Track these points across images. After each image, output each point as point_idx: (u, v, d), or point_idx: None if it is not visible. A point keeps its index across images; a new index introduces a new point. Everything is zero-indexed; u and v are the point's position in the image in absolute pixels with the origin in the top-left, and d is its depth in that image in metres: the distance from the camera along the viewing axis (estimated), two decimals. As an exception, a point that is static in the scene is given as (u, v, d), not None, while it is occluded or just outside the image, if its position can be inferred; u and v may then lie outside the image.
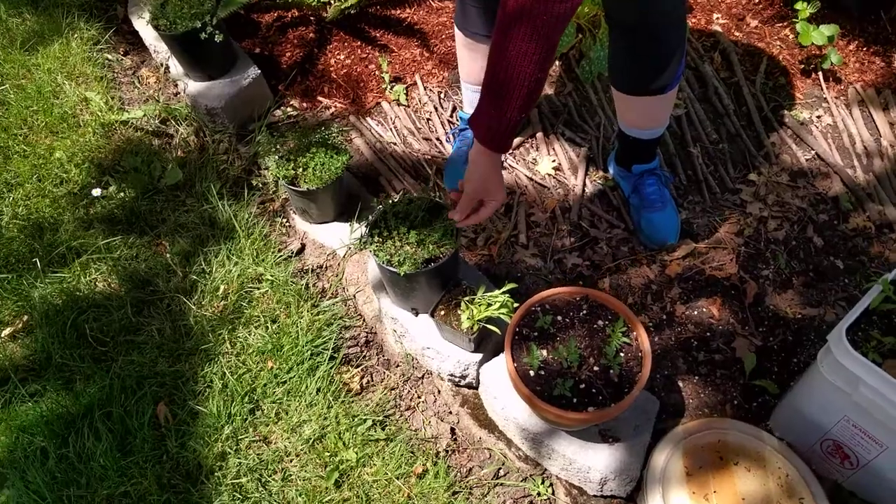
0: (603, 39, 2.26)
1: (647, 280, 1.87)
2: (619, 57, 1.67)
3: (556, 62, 2.38)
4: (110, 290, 1.84)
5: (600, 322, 1.41)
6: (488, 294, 1.49)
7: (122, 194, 2.02)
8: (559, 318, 1.43)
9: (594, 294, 1.45)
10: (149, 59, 2.56)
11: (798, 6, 2.28)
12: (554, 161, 2.15)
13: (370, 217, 1.58)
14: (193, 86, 2.23)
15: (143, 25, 2.48)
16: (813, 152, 2.11)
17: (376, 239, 1.54)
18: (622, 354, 1.36)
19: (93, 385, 1.65)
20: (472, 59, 1.86)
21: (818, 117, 2.19)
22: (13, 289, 1.83)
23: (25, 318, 1.78)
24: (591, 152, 2.16)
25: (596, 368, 1.35)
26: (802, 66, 2.31)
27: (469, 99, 2.01)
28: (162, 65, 2.47)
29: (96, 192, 2.02)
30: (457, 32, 1.85)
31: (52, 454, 1.56)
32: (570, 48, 2.21)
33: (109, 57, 2.50)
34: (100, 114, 2.26)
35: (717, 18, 2.48)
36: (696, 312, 1.80)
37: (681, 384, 1.67)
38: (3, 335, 1.76)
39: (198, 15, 2.09)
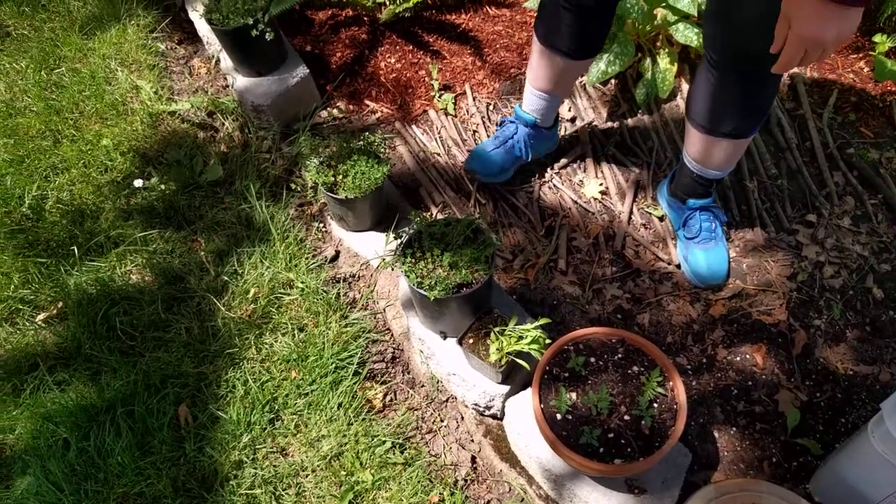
0: (663, 61, 2.16)
1: (689, 319, 1.79)
2: (702, 91, 1.58)
3: (612, 81, 2.29)
4: (143, 283, 1.84)
5: (635, 368, 1.34)
6: (520, 327, 1.43)
7: (162, 187, 2.03)
8: (592, 359, 1.36)
9: (631, 338, 1.38)
10: (202, 49, 2.56)
11: (876, 38, 2.15)
12: (601, 185, 2.07)
13: (405, 235, 1.53)
14: (242, 81, 2.22)
15: (197, 16, 2.48)
16: (880, 196, 1.98)
17: (409, 259, 1.49)
18: (656, 405, 1.29)
19: (118, 379, 1.66)
20: (544, 68, 1.82)
21: (889, 159, 2.06)
22: (50, 274, 1.84)
23: (60, 304, 1.80)
24: (640, 178, 2.08)
25: (627, 418, 1.28)
26: (876, 102, 2.18)
27: (530, 101, 1.95)
28: (213, 57, 2.47)
29: (138, 182, 2.02)
30: (536, 43, 1.79)
31: (74, 446, 1.57)
32: (627, 67, 2.12)
33: (163, 46, 2.52)
34: (149, 103, 2.27)
35: (787, 45, 2.36)
36: (738, 358, 1.71)
37: (716, 434, 1.58)
38: (37, 320, 1.77)
39: (250, 11, 2.07)
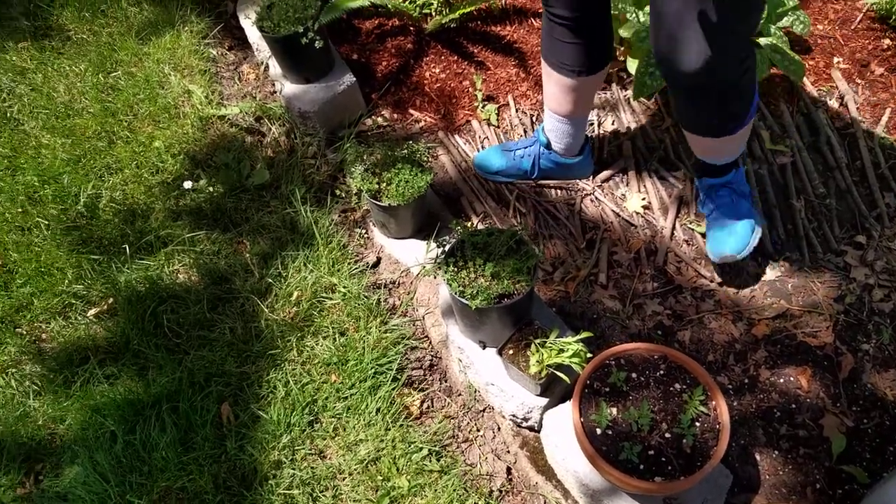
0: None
1: (731, 338, 1.77)
2: (678, 99, 1.58)
3: (656, 96, 2.28)
4: (190, 282, 1.89)
5: (677, 385, 1.33)
6: (561, 339, 1.43)
7: (211, 189, 2.08)
8: (634, 375, 1.36)
9: (674, 355, 1.37)
10: (251, 55, 2.62)
11: (932, 57, 2.10)
12: (644, 199, 2.06)
13: (446, 245, 1.55)
14: (290, 87, 2.27)
15: (248, 24, 2.54)
16: (932, 219, 1.93)
17: (451, 267, 1.51)
18: (698, 424, 1.28)
19: (164, 376, 1.70)
20: (553, 88, 1.79)
21: (943, 181, 2.01)
22: (102, 271, 1.90)
23: (111, 300, 1.85)
24: (684, 193, 2.06)
25: (668, 435, 1.27)
26: (930, 122, 2.13)
27: (546, 122, 1.91)
28: (262, 63, 2.52)
29: (188, 184, 2.08)
30: (543, 63, 1.78)
31: (120, 439, 1.61)
32: (673, 82, 2.11)
33: (214, 51, 2.58)
34: (199, 107, 2.33)
35: (838, 63, 2.32)
36: (782, 380, 1.68)
37: (758, 457, 1.56)
38: (89, 315, 1.83)
39: (301, 20, 2.12)
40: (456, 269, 1.51)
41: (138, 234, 1.98)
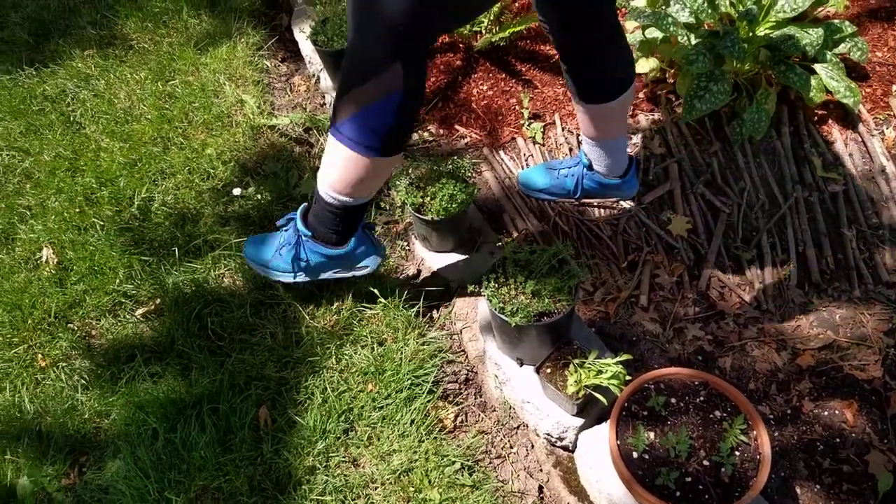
0: (760, 101, 2.12)
1: (774, 367, 1.73)
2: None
3: (706, 119, 2.26)
4: (235, 287, 1.94)
5: (718, 413, 1.31)
6: (600, 360, 1.42)
7: (259, 196, 2.13)
8: (673, 400, 1.34)
9: (715, 382, 1.35)
10: (303, 67, 2.69)
11: None
12: (689, 223, 2.04)
13: (492, 262, 1.55)
14: (339, 100, 2.31)
15: (302, 37, 2.61)
16: None
17: (492, 283, 1.51)
18: (737, 454, 1.26)
19: (206, 377, 1.74)
20: (579, 114, 1.75)
21: None
22: (152, 272, 1.96)
23: (158, 301, 1.91)
24: (730, 219, 2.03)
25: (706, 463, 1.25)
26: None
27: (586, 148, 1.84)
28: (313, 75, 2.58)
29: (237, 191, 2.13)
30: None
31: (161, 436, 1.65)
32: (723, 106, 2.09)
33: (268, 63, 2.66)
34: (251, 116, 2.39)
35: (896, 90, 2.27)
36: (826, 413, 1.63)
37: (798, 491, 1.52)
38: (137, 314, 1.89)
39: (354, 35, 2.16)
40: (497, 286, 1.51)
41: (187, 238, 2.03)
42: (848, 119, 2.22)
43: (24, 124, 2.43)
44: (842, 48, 2.20)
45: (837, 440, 1.59)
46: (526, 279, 1.50)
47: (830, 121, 2.23)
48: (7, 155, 2.35)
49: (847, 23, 2.19)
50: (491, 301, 1.48)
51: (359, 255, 1.74)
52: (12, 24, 2.85)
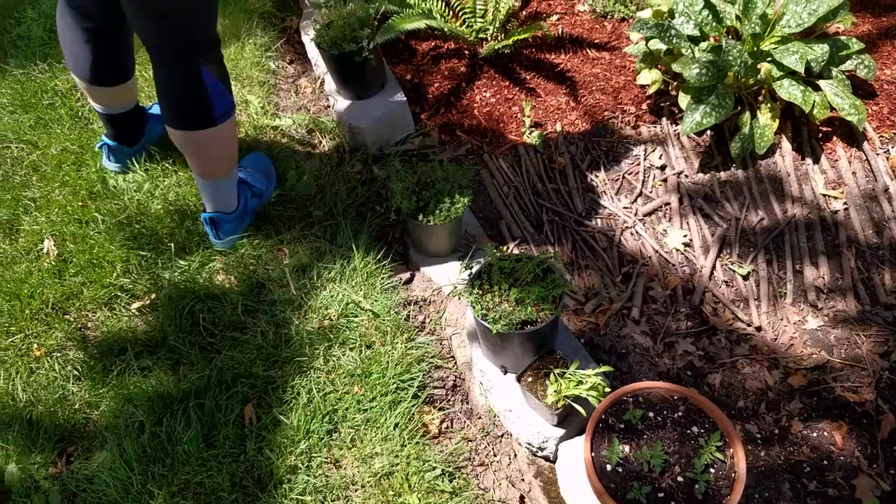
0: (763, 116, 2.10)
1: (765, 385, 1.71)
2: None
3: (708, 132, 2.25)
4: (228, 284, 1.95)
5: (695, 429, 1.30)
6: (580, 371, 1.42)
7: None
8: (651, 414, 1.33)
9: (694, 397, 1.34)
10: (310, 70, 2.71)
11: None
12: (685, 236, 2.02)
13: (476, 266, 1.56)
14: (342, 103, 2.33)
15: (308, 40, 2.63)
16: None
17: (476, 290, 1.51)
18: (712, 471, 1.24)
19: (195, 372, 1.76)
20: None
21: None
22: (148, 267, 1.99)
23: (153, 295, 1.93)
24: (727, 234, 2.02)
25: (680, 479, 1.24)
26: None
27: None
28: (319, 78, 2.60)
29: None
30: None
31: (147, 430, 1.67)
32: (725, 119, 2.07)
33: (275, 65, 2.68)
34: (255, 116, 2.42)
35: (903, 109, 2.24)
36: (815, 434, 1.61)
37: (781, 512, 1.50)
38: (132, 308, 1.91)
39: (356, 39, 2.18)
40: (481, 293, 1.51)
41: (185, 234, 2.06)
42: (853, 137, 2.19)
43: (34, 118, 2.47)
44: (848, 65, 2.17)
45: (825, 462, 1.57)
46: (510, 287, 1.50)
47: (835, 138, 2.21)
48: (16, 147, 2.39)
49: (854, 39, 2.17)
50: (474, 307, 1.48)
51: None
52: (29, 20, 2.90)
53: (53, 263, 2.01)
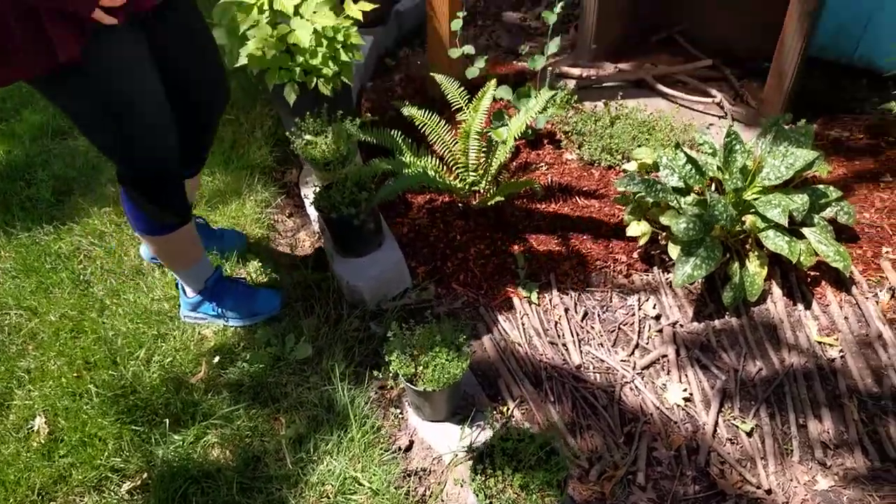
0: (751, 264, 2.15)
1: (782, 557, 1.64)
2: None
3: (699, 281, 2.28)
4: (224, 459, 1.91)
5: None
6: (590, 565, 1.36)
7: (252, 368, 2.13)
8: None
9: None
10: (308, 223, 2.78)
11: None
12: (685, 390, 2.01)
13: (476, 435, 1.53)
14: (340, 261, 2.38)
15: (308, 191, 2.72)
16: None
17: (479, 476, 1.48)
18: None
19: (187, 563, 1.68)
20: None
21: None
22: (140, 443, 1.95)
23: (145, 475, 1.88)
24: (727, 386, 2.01)
25: None
26: None
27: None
28: (317, 233, 2.67)
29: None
30: None
31: None
32: (715, 269, 2.11)
33: (275, 219, 2.76)
34: (253, 276, 2.45)
35: (888, 252, 2.29)
36: None
37: None
38: (122, 490, 1.86)
39: (355, 202, 2.25)
40: (484, 478, 1.48)
41: (180, 405, 2.03)
42: (841, 281, 2.23)
43: (36, 282, 2.50)
44: (828, 212, 2.24)
45: None
46: (514, 471, 1.47)
47: (824, 282, 2.24)
48: (15, 314, 2.40)
49: (832, 188, 2.26)
50: (478, 496, 1.44)
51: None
52: (38, 181, 3.00)
53: (43, 443, 1.97)
